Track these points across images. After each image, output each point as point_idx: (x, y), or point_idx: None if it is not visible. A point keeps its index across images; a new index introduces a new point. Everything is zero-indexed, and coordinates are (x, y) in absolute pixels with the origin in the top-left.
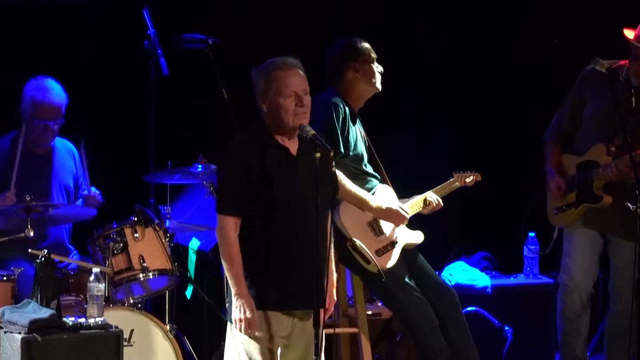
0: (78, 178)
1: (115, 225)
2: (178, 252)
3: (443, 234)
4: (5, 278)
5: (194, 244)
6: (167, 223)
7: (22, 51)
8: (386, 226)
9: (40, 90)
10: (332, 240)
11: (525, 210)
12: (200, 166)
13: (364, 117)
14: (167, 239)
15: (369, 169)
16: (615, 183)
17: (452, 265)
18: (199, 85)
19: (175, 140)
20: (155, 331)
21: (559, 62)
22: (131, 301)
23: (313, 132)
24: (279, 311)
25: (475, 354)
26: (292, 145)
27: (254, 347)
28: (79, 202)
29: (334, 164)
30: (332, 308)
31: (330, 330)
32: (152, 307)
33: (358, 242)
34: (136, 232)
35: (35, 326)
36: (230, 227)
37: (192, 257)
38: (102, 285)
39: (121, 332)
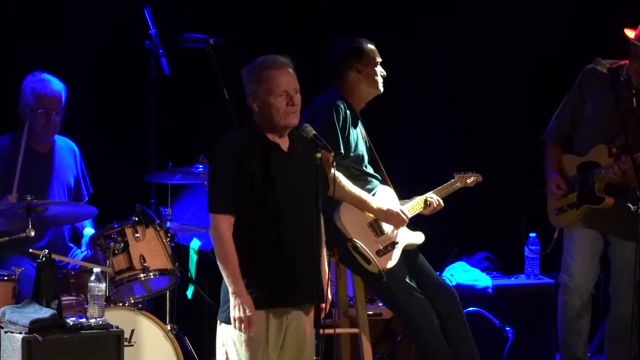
0: (79, 176)
1: (116, 225)
2: (179, 252)
3: (444, 235)
4: (6, 278)
5: (195, 244)
6: (168, 224)
7: (22, 51)
8: (387, 227)
9: (39, 81)
10: (324, 239)
11: (525, 211)
12: (201, 166)
13: (364, 117)
14: (168, 239)
15: (370, 169)
16: (617, 185)
17: (453, 265)
18: (200, 85)
19: (176, 140)
20: (156, 331)
21: (559, 62)
22: (132, 301)
23: (314, 132)
24: (271, 310)
25: (476, 354)
26: (284, 144)
27: (246, 347)
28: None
29: (334, 164)
30: (328, 307)
31: (331, 331)
32: (152, 307)
33: (359, 243)
34: (137, 232)
35: (36, 326)
36: (223, 225)
37: (193, 257)
38: (102, 285)
39: (122, 332)
